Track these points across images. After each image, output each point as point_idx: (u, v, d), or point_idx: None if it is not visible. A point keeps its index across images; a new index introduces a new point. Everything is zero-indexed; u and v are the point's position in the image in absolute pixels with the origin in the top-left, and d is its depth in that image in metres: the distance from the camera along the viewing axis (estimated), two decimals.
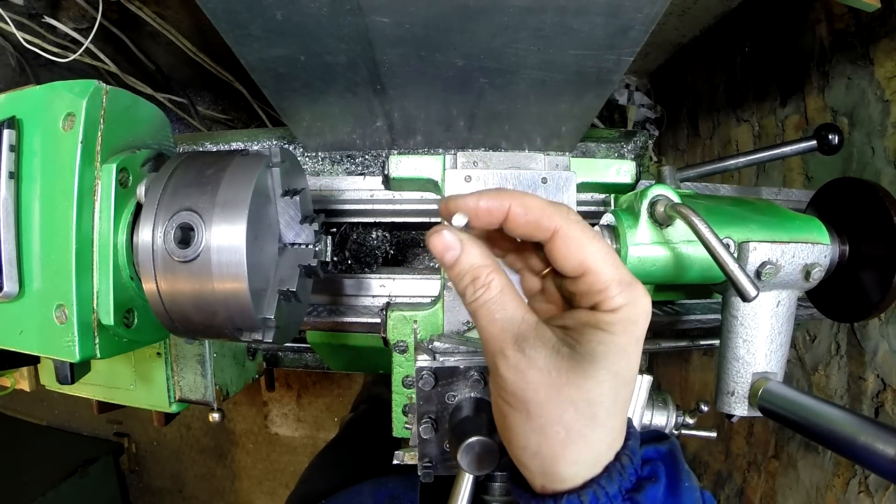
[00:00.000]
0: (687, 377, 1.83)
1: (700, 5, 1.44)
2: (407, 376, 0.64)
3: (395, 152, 0.85)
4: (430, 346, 0.60)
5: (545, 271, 0.40)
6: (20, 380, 1.06)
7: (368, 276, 0.80)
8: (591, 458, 0.33)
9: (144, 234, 0.45)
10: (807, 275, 0.60)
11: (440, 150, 0.84)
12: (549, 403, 0.32)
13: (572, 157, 0.69)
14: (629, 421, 0.37)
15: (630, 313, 0.33)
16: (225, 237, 0.44)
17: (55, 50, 1.20)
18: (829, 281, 0.66)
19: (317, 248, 0.54)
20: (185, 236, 0.45)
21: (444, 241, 0.34)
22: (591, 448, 0.33)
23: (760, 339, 0.62)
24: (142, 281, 0.46)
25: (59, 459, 2.55)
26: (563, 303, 0.39)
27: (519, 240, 0.39)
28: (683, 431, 0.73)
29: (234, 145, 0.91)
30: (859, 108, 1.07)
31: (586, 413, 0.32)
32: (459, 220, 0.35)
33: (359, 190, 0.75)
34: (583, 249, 0.33)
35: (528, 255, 0.41)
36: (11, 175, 0.45)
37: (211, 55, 1.52)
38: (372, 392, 1.57)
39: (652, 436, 0.42)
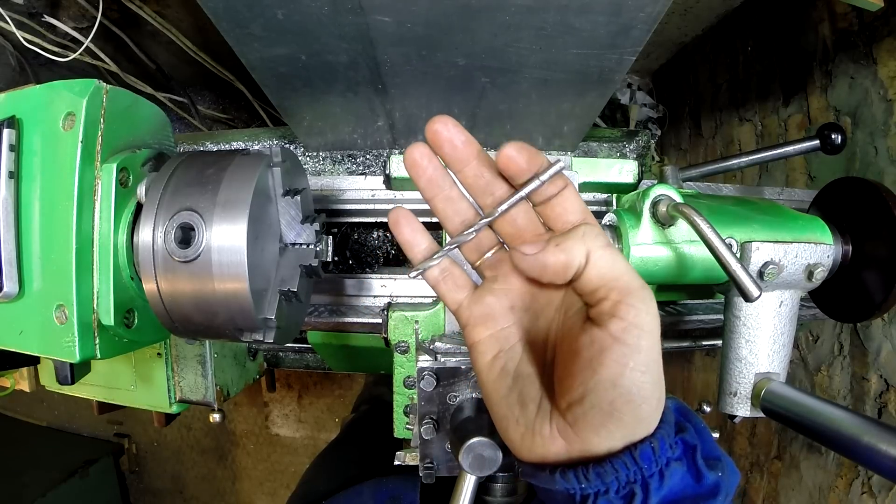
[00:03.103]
0: (689, 378, 1.83)
1: (702, 4, 1.44)
2: (408, 377, 0.64)
3: (397, 152, 0.85)
4: (431, 347, 0.60)
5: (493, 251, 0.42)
6: (20, 380, 1.05)
7: (369, 276, 0.80)
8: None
9: (145, 234, 0.45)
10: (810, 275, 0.60)
11: None
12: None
13: (574, 156, 0.68)
14: None
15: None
16: (226, 237, 0.44)
17: (55, 49, 1.20)
18: (832, 281, 0.66)
19: (318, 248, 0.54)
20: (186, 236, 0.45)
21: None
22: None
23: (763, 340, 0.62)
24: (142, 281, 0.46)
25: (59, 460, 2.55)
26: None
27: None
28: None
29: (235, 145, 0.91)
30: (862, 107, 1.07)
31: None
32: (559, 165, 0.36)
33: (360, 190, 0.75)
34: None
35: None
36: (11, 175, 0.45)
37: (212, 54, 1.52)
38: (373, 393, 1.57)
39: None
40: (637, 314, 0.32)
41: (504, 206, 0.37)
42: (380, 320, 0.68)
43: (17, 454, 2.59)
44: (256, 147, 0.78)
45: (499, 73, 0.63)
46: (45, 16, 1.22)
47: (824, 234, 0.62)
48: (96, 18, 1.14)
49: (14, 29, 1.08)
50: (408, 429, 0.65)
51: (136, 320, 0.50)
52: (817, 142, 0.82)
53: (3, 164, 0.44)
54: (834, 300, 0.71)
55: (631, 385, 0.32)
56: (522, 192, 0.36)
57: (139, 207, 0.48)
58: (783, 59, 1.34)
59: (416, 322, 0.64)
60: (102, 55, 1.33)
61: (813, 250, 0.60)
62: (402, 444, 0.66)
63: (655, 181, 0.71)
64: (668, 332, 0.89)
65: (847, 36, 1.10)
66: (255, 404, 2.73)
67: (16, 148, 0.45)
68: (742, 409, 0.63)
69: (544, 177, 0.35)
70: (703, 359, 1.74)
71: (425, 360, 0.57)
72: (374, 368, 1.26)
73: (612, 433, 0.33)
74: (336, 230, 0.83)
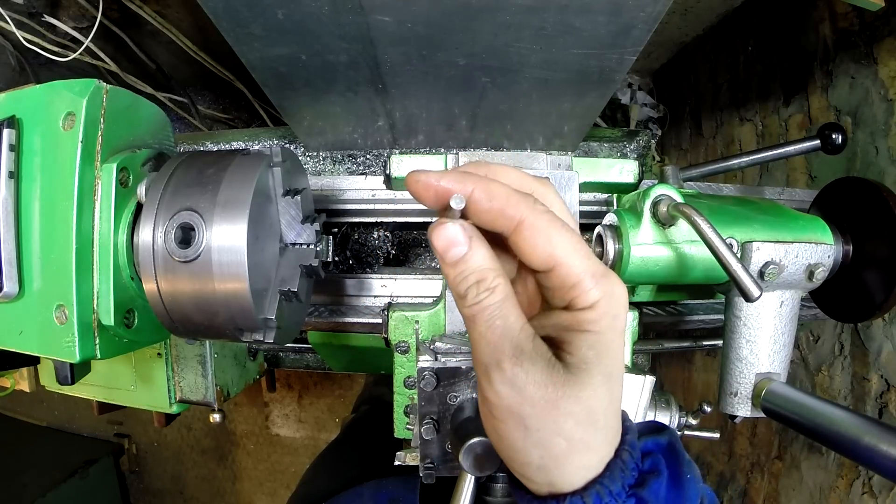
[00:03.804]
0: (690, 378, 1.82)
1: (703, 4, 1.44)
2: (409, 377, 0.64)
3: (397, 152, 0.84)
4: (431, 347, 0.60)
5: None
6: (20, 380, 1.05)
7: (370, 276, 0.80)
8: (596, 460, 0.33)
9: (145, 234, 0.45)
10: (810, 275, 0.60)
11: (442, 150, 0.84)
12: (548, 417, 0.31)
13: (575, 156, 0.68)
14: (625, 414, 0.36)
15: (609, 307, 0.31)
16: (226, 237, 0.44)
17: (55, 49, 1.20)
18: (832, 281, 0.65)
19: (318, 248, 0.54)
20: (186, 236, 0.45)
21: (451, 236, 0.31)
22: (595, 451, 0.33)
23: (764, 340, 0.62)
24: (142, 281, 0.46)
25: (59, 460, 2.55)
26: (537, 300, 0.37)
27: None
28: (686, 432, 0.73)
29: (235, 145, 0.91)
30: (863, 107, 1.07)
31: (585, 421, 0.31)
32: (458, 202, 0.31)
33: (360, 189, 0.75)
34: (550, 241, 0.31)
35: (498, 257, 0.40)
36: (11, 175, 0.45)
37: (212, 54, 1.52)
38: (373, 393, 1.57)
39: (650, 428, 0.41)
40: (493, 393, 0.31)
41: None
42: (380, 320, 0.68)
43: (17, 454, 2.59)
44: (256, 147, 0.78)
45: (499, 72, 0.63)
46: (45, 16, 1.22)
47: (825, 234, 0.62)
48: (96, 18, 1.13)
49: (14, 29, 1.08)
50: (408, 429, 0.64)
51: (136, 320, 0.50)
52: (818, 142, 0.82)
53: (3, 164, 0.44)
54: (835, 300, 0.71)
55: (526, 457, 0.32)
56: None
57: (139, 207, 0.48)
58: (784, 59, 1.33)
59: (417, 322, 0.64)
60: (102, 55, 1.33)
61: (813, 250, 0.59)
62: (403, 444, 0.66)
63: (656, 181, 0.71)
64: (668, 332, 0.89)
65: (848, 36, 1.10)
66: (256, 404, 2.73)
67: (16, 148, 0.45)
68: (743, 409, 0.63)
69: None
70: (704, 359, 1.73)
71: (426, 361, 0.57)
72: (374, 368, 1.26)
73: (533, 483, 0.34)
74: (336, 230, 0.83)
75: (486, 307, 0.31)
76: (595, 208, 0.75)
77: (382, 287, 0.79)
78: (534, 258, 0.32)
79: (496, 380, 0.31)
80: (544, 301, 0.36)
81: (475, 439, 0.46)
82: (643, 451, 0.37)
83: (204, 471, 2.85)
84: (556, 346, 0.32)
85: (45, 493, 2.28)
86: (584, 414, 0.31)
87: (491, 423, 0.33)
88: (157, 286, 0.46)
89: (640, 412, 0.59)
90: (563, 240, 0.31)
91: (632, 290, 0.77)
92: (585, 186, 0.69)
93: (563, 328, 0.32)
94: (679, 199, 0.58)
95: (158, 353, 0.84)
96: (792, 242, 0.59)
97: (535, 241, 0.31)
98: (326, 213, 0.61)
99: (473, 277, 0.31)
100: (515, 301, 0.32)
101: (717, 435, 0.76)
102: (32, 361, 0.74)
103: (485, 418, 0.33)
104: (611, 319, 0.31)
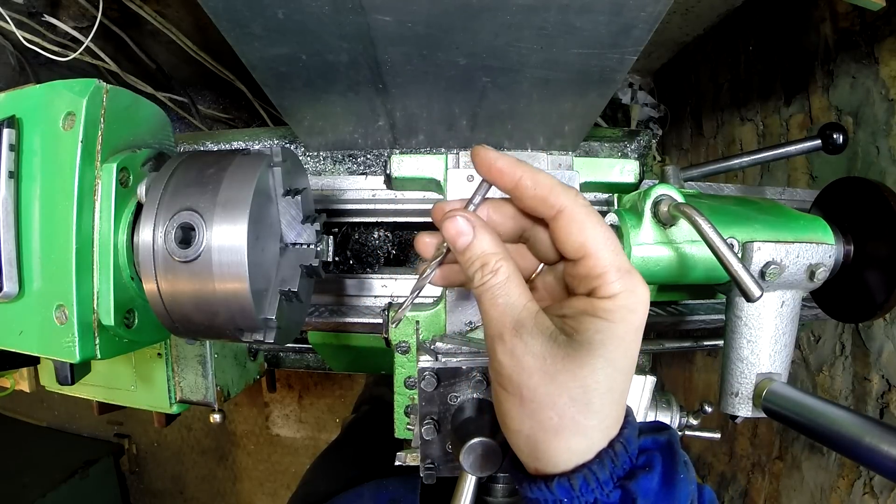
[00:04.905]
0: (691, 378, 1.82)
1: (704, 4, 1.44)
2: (409, 377, 0.64)
3: (397, 152, 0.84)
4: (432, 347, 0.59)
5: (537, 272, 0.42)
6: (20, 381, 1.05)
7: (370, 276, 0.80)
8: (585, 445, 0.34)
9: (145, 234, 0.45)
10: (811, 275, 0.59)
11: (442, 150, 0.83)
12: (543, 389, 0.32)
13: (575, 156, 0.68)
14: (629, 410, 0.37)
15: (628, 301, 0.33)
16: (226, 237, 0.44)
17: (55, 49, 1.20)
18: (833, 281, 0.65)
19: (318, 248, 0.54)
20: (186, 236, 0.45)
21: (458, 227, 0.36)
22: (585, 435, 0.34)
23: (764, 340, 0.61)
24: (142, 281, 0.46)
25: (59, 461, 2.55)
26: (561, 294, 0.40)
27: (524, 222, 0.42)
28: (687, 432, 0.73)
29: (236, 144, 0.91)
30: (864, 107, 1.06)
31: (580, 400, 0.32)
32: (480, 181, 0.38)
33: (360, 189, 0.75)
34: (584, 232, 0.34)
35: (523, 252, 0.42)
36: (11, 175, 0.45)
37: (212, 54, 1.52)
38: (374, 393, 1.57)
39: (652, 426, 0.42)
40: (497, 362, 0.34)
41: (433, 267, 0.41)
42: (380, 320, 0.68)
43: (17, 454, 2.60)
44: (257, 147, 0.78)
45: (500, 72, 0.63)
46: (45, 15, 1.22)
47: (826, 234, 0.62)
48: (96, 18, 1.13)
49: (14, 28, 1.08)
50: (409, 429, 0.64)
51: (136, 320, 0.50)
52: (819, 141, 0.82)
53: (3, 164, 0.44)
54: (835, 300, 0.71)
55: (518, 425, 0.35)
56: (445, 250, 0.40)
57: (139, 207, 0.48)
58: (785, 59, 1.33)
59: (417, 322, 0.64)
60: (102, 55, 1.32)
61: (814, 250, 0.59)
62: (403, 444, 0.66)
63: (657, 181, 0.71)
64: (669, 332, 0.89)
65: (849, 35, 1.10)
66: (256, 405, 2.73)
67: (16, 148, 0.45)
68: (744, 409, 0.63)
69: (476, 199, 0.38)
70: (705, 359, 1.73)
71: (426, 361, 0.57)
72: (374, 369, 1.26)
73: (522, 453, 0.36)
74: (337, 230, 0.83)
75: (489, 287, 0.35)
76: (596, 208, 0.75)
77: (383, 287, 0.79)
78: (567, 246, 0.35)
79: (498, 350, 0.34)
80: (569, 290, 0.38)
81: (476, 439, 0.46)
82: (641, 447, 0.37)
83: (204, 471, 2.86)
84: (570, 327, 0.34)
85: (45, 494, 2.29)
86: (579, 392, 0.32)
87: (496, 390, 0.36)
88: (157, 286, 0.46)
89: (640, 412, 0.59)
90: (597, 233, 0.34)
91: None
92: (586, 186, 0.69)
93: (581, 311, 0.34)
94: (680, 198, 0.58)
95: (158, 353, 0.84)
96: (793, 242, 0.59)
97: (570, 230, 0.34)
98: (327, 213, 0.61)
99: (479, 262, 0.35)
100: (520, 281, 0.35)
101: (717, 435, 0.76)
102: (32, 361, 0.74)
103: (493, 386, 0.36)
104: (627, 313, 0.33)
